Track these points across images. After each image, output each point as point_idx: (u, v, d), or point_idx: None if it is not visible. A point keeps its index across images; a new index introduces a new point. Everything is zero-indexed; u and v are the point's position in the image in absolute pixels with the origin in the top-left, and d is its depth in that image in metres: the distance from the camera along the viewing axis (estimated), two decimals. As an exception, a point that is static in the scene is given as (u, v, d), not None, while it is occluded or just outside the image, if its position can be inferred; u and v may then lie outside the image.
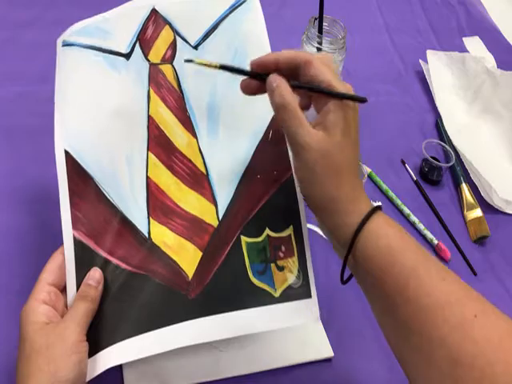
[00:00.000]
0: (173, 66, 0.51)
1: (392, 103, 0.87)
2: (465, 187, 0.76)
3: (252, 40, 0.52)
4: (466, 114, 0.87)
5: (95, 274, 0.44)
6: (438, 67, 0.91)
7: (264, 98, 0.45)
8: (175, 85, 0.51)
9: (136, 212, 0.47)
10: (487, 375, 0.36)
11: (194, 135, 0.51)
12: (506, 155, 0.82)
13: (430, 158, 0.75)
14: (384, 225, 0.42)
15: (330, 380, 0.53)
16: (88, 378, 0.41)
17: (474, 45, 1.02)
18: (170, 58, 0.52)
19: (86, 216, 0.46)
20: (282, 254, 0.47)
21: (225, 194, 0.49)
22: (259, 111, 0.50)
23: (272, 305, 0.45)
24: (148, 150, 0.49)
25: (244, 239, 0.47)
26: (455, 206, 0.74)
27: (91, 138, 0.48)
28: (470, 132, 0.84)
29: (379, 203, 0.71)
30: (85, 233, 0.45)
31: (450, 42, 1.02)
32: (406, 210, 0.70)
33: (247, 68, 0.45)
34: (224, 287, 0.46)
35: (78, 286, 0.44)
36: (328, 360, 0.54)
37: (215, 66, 0.46)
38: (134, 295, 0.45)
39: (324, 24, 0.72)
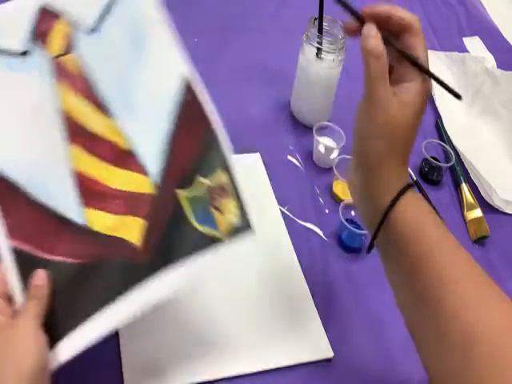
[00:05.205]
0: (74, 54, 0.52)
1: (392, 103, 0.87)
2: (465, 187, 0.76)
3: (148, 14, 0.53)
4: (466, 114, 0.87)
5: (39, 275, 0.44)
6: (438, 67, 0.92)
7: (173, 69, 0.50)
8: (81, 72, 0.51)
9: (68, 205, 0.48)
10: (499, 351, 0.38)
11: (110, 116, 0.51)
12: (506, 155, 0.82)
13: (430, 158, 0.75)
14: (419, 199, 0.45)
15: (330, 380, 0.53)
16: (54, 367, 0.42)
17: (474, 45, 1.02)
18: (69, 48, 0.52)
19: (19, 222, 0.46)
20: (218, 198, 0.48)
21: (154, 162, 0.50)
22: (170, 80, 0.51)
23: (220, 244, 0.47)
24: (67, 141, 0.50)
25: (181, 193, 0.48)
26: (455, 206, 0.74)
27: (8, 144, 0.48)
28: (469, 132, 0.84)
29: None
30: (21, 239, 0.45)
31: (450, 42, 1.02)
32: (406, 210, 0.70)
33: None
34: (172, 241, 0.47)
35: (25, 292, 0.44)
36: (328, 360, 0.54)
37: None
38: (86, 283, 0.45)
39: (324, 24, 0.72)
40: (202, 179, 0.48)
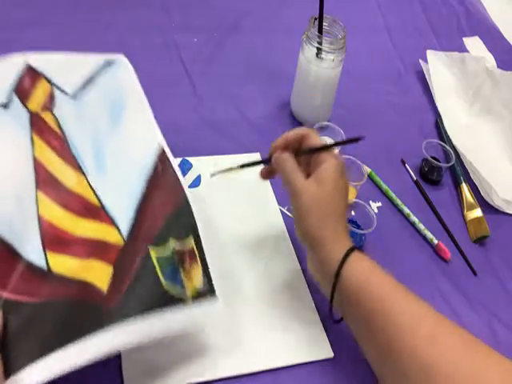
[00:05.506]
0: (53, 113, 0.56)
1: (392, 103, 0.87)
2: (465, 187, 0.76)
3: (128, 92, 0.58)
4: (466, 114, 0.87)
5: None
6: (438, 67, 0.91)
7: (148, 138, 0.55)
8: (57, 130, 0.55)
9: (30, 249, 0.49)
10: (454, 377, 0.43)
11: (82, 173, 0.55)
12: (506, 155, 0.82)
13: (430, 158, 0.75)
14: (359, 260, 0.51)
15: (330, 380, 0.53)
16: None
17: (474, 45, 1.02)
18: (49, 107, 0.56)
19: None
20: (187, 262, 0.49)
21: (124, 217, 0.52)
22: (145, 147, 0.55)
23: (185, 307, 0.47)
24: (37, 189, 0.52)
25: (152, 250, 0.49)
26: (455, 206, 0.74)
27: None
28: (470, 132, 0.84)
29: (379, 204, 0.71)
30: None
31: (450, 42, 1.02)
32: (406, 210, 0.70)
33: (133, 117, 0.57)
34: (139, 294, 0.47)
35: None
36: (328, 360, 0.54)
37: (236, 168, 0.58)
38: (44, 320, 0.45)
39: (324, 24, 0.72)
40: (174, 241, 0.49)
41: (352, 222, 0.66)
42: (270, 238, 0.63)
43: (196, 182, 0.67)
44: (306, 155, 0.56)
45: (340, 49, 0.71)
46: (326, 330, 0.56)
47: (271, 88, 0.84)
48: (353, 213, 0.67)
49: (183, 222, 0.50)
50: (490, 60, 0.97)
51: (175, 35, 0.89)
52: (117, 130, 0.57)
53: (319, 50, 0.71)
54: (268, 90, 0.83)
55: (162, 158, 0.54)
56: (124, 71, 0.59)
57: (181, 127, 0.74)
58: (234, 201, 0.66)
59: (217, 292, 0.48)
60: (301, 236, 0.55)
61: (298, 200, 0.53)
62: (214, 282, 0.49)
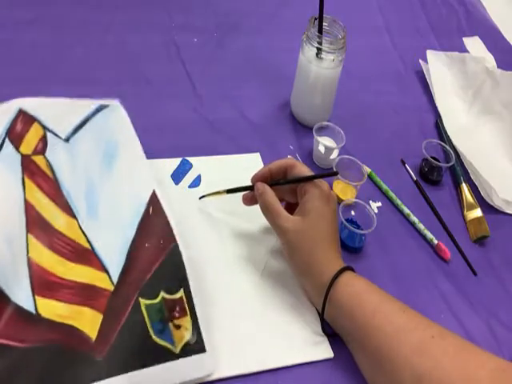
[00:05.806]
0: (45, 156, 0.57)
1: (392, 103, 0.87)
2: (465, 187, 0.76)
3: (121, 137, 0.59)
4: (466, 114, 0.87)
5: None
6: (438, 67, 0.92)
7: (140, 182, 0.56)
8: (49, 173, 0.56)
9: (19, 292, 0.49)
10: (445, 382, 0.44)
11: (73, 216, 0.55)
12: (506, 155, 0.82)
13: (430, 158, 0.75)
14: (352, 278, 0.53)
15: (330, 380, 0.53)
16: None
17: (474, 45, 1.02)
18: (41, 150, 0.57)
19: None
20: (177, 314, 0.49)
21: (115, 262, 0.53)
22: (137, 191, 0.56)
23: (173, 361, 0.47)
24: (27, 231, 0.52)
25: (142, 301, 0.49)
26: (455, 206, 0.74)
27: None
28: (470, 132, 0.84)
29: (379, 204, 0.71)
30: None
31: (450, 42, 1.02)
32: (406, 210, 0.70)
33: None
34: (129, 346, 0.47)
35: None
36: (328, 360, 0.54)
37: (223, 192, 0.61)
38: (31, 367, 0.45)
39: (324, 24, 0.72)
40: (165, 294, 0.49)
41: (352, 221, 0.66)
42: (270, 237, 0.63)
43: (196, 182, 0.67)
44: (291, 184, 0.58)
45: (340, 49, 0.71)
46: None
47: (271, 88, 0.84)
48: (353, 213, 0.67)
49: (174, 274, 0.51)
50: (490, 60, 0.97)
51: (175, 35, 0.89)
52: (109, 175, 0.57)
53: (319, 50, 0.71)
54: (268, 90, 0.83)
55: (154, 201, 0.54)
56: (117, 116, 0.59)
57: (181, 127, 0.74)
58: (233, 200, 0.66)
59: (206, 344, 0.49)
60: (293, 268, 0.57)
61: (285, 237, 0.55)
62: (203, 335, 0.49)
